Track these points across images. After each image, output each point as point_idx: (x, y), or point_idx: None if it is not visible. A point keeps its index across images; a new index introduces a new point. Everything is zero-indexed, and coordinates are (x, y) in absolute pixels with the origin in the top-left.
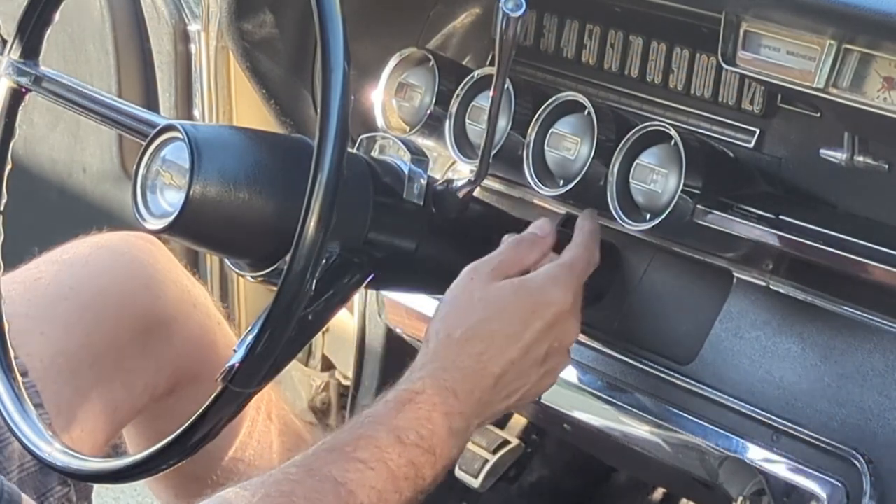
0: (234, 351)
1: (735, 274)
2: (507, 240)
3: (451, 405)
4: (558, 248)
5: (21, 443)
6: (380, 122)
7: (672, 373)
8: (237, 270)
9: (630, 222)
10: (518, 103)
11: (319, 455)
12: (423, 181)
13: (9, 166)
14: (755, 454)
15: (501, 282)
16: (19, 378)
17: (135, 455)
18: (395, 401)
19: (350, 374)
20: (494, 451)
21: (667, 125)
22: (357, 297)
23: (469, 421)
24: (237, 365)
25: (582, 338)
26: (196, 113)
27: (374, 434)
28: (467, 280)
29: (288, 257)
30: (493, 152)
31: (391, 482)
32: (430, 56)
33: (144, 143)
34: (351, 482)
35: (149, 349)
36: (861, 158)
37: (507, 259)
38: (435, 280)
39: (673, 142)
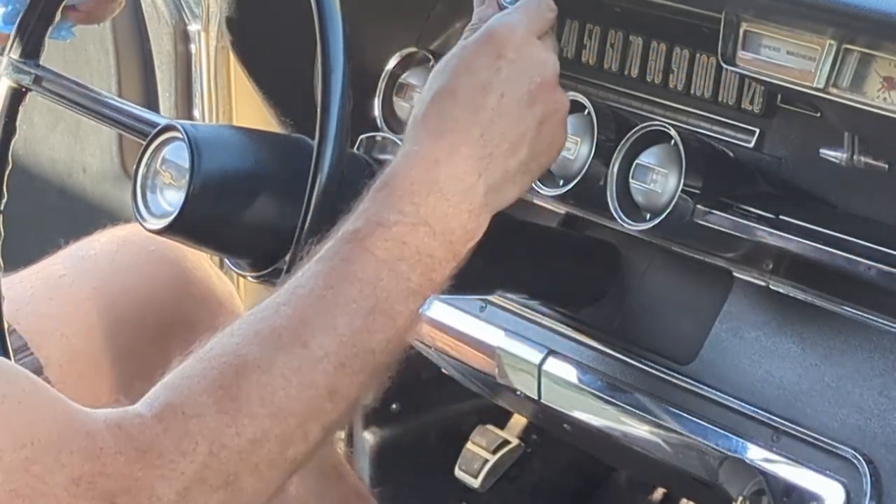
0: None
1: (735, 274)
2: None
3: (436, 171)
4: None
5: None
6: (380, 122)
7: (672, 373)
8: (237, 270)
9: (630, 222)
10: None
11: (288, 287)
12: None
13: (9, 166)
14: (755, 454)
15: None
16: None
17: None
18: (373, 190)
19: None
20: (494, 451)
21: (667, 125)
22: None
23: (472, 175)
24: None
25: (582, 338)
26: (196, 113)
27: (347, 230)
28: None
29: (288, 257)
30: None
31: (378, 270)
32: (430, 56)
33: (144, 143)
34: (324, 297)
35: (170, 350)
36: (861, 158)
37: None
38: None
39: (673, 142)
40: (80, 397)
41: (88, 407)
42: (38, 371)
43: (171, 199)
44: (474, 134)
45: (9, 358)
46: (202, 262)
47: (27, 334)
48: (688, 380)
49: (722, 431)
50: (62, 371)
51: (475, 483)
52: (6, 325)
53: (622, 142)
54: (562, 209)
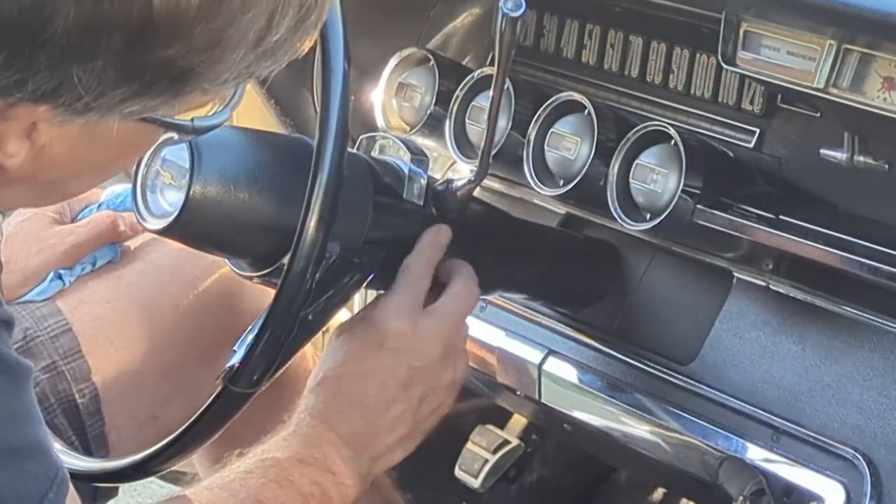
0: (234, 351)
1: (735, 274)
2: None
3: (334, 434)
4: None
5: None
6: (380, 122)
7: (672, 373)
8: (237, 270)
9: (630, 222)
10: (518, 103)
11: (236, 477)
12: (423, 181)
13: None
14: (755, 454)
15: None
16: None
17: (134, 455)
18: (286, 434)
19: None
20: (494, 451)
21: (667, 125)
22: (357, 297)
23: (356, 451)
24: (237, 365)
25: (582, 338)
26: None
27: (276, 456)
28: (342, 330)
29: (288, 257)
30: (494, 152)
31: (300, 499)
32: (430, 56)
33: None
34: (267, 501)
35: (218, 365)
36: (861, 158)
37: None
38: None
39: (673, 142)
40: (117, 410)
41: (130, 419)
42: (85, 377)
43: (171, 199)
44: (355, 418)
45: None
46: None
47: (81, 337)
48: (688, 380)
49: (722, 431)
50: (105, 382)
51: (475, 483)
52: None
53: (622, 142)
54: (562, 209)
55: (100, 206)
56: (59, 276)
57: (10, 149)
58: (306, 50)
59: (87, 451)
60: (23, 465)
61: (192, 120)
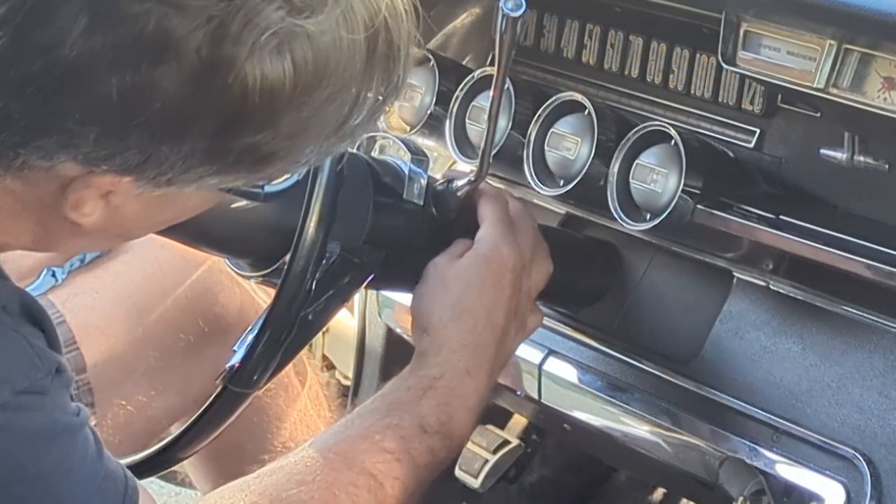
0: (234, 351)
1: (735, 274)
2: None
3: (467, 385)
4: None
5: None
6: (380, 122)
7: (672, 373)
8: (237, 270)
9: (630, 222)
10: (518, 103)
11: (350, 440)
12: (423, 181)
13: None
14: (755, 454)
15: (459, 260)
16: None
17: (134, 455)
18: (416, 388)
19: (350, 374)
20: (494, 451)
21: (667, 125)
22: (357, 297)
23: (482, 395)
24: (237, 365)
25: (582, 338)
26: None
27: (399, 423)
28: (432, 271)
29: (288, 257)
30: (493, 152)
31: (413, 471)
32: (430, 56)
33: None
34: (380, 473)
35: (206, 355)
36: (861, 158)
37: (455, 246)
38: None
39: (673, 142)
40: (108, 398)
41: (122, 409)
42: (81, 369)
43: None
44: (492, 351)
45: None
46: None
47: (75, 328)
48: (688, 380)
49: (722, 431)
50: (97, 371)
51: (475, 483)
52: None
53: (622, 142)
54: (562, 209)
55: None
56: (53, 274)
57: (86, 209)
58: (377, 127)
59: None
60: (99, 494)
61: (262, 188)
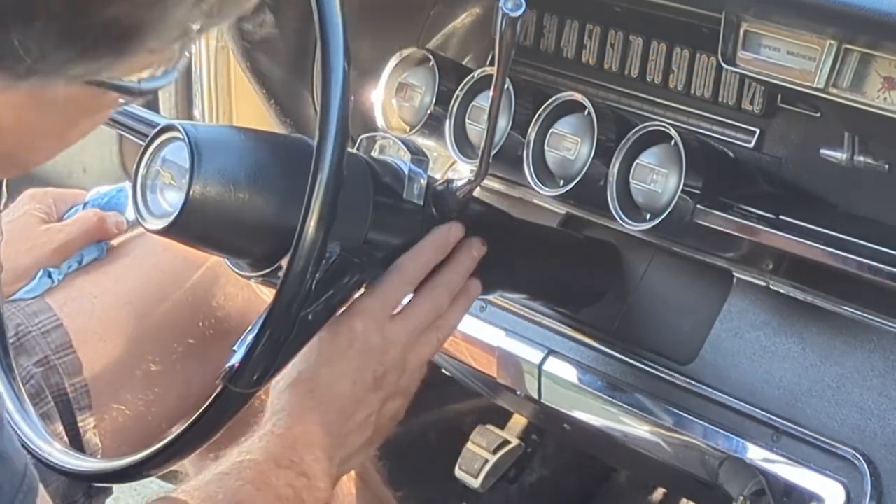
0: (234, 351)
1: (735, 274)
2: None
3: (309, 439)
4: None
5: (21, 443)
6: (380, 122)
7: (672, 373)
8: (237, 270)
9: (630, 222)
10: (518, 103)
11: (210, 480)
12: (423, 181)
13: None
14: (755, 454)
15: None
16: (19, 378)
17: (134, 455)
18: (263, 434)
19: None
20: (494, 451)
21: (667, 125)
22: None
23: (329, 453)
24: (237, 365)
25: (582, 338)
26: (196, 113)
27: (256, 458)
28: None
29: (288, 257)
30: (493, 152)
31: (276, 502)
32: (430, 56)
33: (144, 143)
34: (244, 502)
35: (208, 358)
36: (861, 158)
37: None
38: None
39: (673, 142)
40: (107, 402)
41: (120, 412)
42: (77, 371)
43: (171, 199)
44: (331, 417)
45: (8, 355)
46: None
47: (72, 332)
48: (688, 380)
49: (722, 431)
50: (94, 375)
51: (475, 483)
52: (6, 325)
53: (622, 142)
54: (562, 209)
55: (85, 205)
56: (49, 275)
57: None
58: (253, 7)
59: (78, 445)
60: None
61: (138, 81)
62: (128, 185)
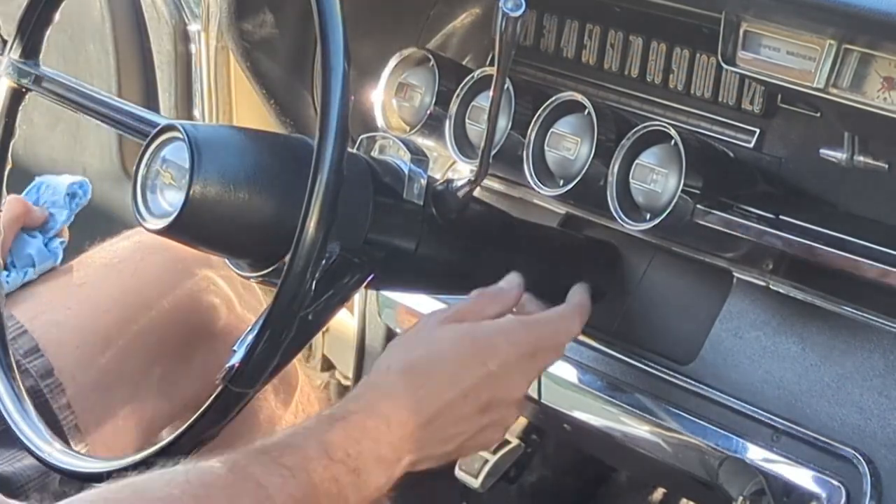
0: (234, 351)
1: (735, 274)
2: (474, 292)
3: (382, 432)
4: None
5: (20, 443)
6: (380, 122)
7: (672, 373)
8: (237, 270)
9: (630, 222)
10: (518, 103)
11: (247, 454)
12: (423, 181)
13: (9, 166)
14: (755, 454)
15: (451, 325)
16: (19, 378)
17: (133, 455)
18: (328, 417)
19: (350, 374)
20: (494, 452)
21: (667, 125)
22: (357, 297)
23: (399, 454)
24: (237, 365)
25: (582, 338)
26: (196, 113)
27: (302, 444)
28: (421, 322)
29: (288, 257)
30: (493, 152)
31: (311, 494)
32: (430, 56)
33: (144, 143)
34: (272, 486)
35: (193, 362)
36: (861, 158)
37: (464, 307)
38: (435, 280)
39: (673, 142)
40: (91, 406)
41: (103, 414)
42: (48, 373)
43: (171, 199)
44: (423, 419)
45: (8, 355)
46: (230, 272)
47: (44, 344)
48: (688, 380)
49: (722, 431)
50: (76, 382)
51: (475, 483)
52: (6, 326)
53: (622, 142)
54: (562, 209)
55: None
56: None
57: None
58: None
59: (65, 445)
60: None
61: None
62: (47, 177)
